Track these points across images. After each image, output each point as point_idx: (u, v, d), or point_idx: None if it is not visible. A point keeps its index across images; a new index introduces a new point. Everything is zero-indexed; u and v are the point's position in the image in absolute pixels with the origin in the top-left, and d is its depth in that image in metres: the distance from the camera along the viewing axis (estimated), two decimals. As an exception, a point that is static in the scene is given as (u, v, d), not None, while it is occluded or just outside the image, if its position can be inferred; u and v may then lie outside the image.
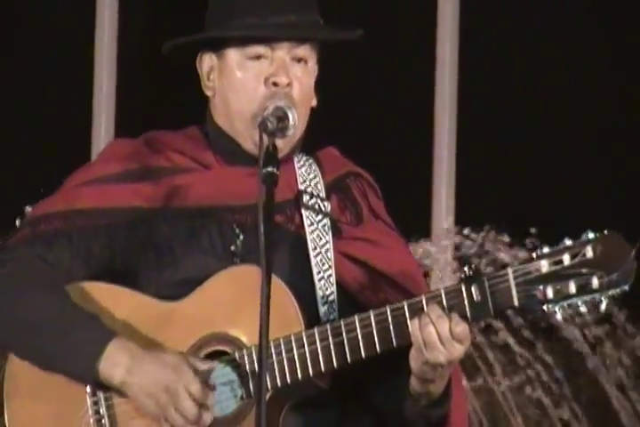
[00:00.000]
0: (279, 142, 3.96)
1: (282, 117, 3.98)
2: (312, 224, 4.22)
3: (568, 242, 3.69)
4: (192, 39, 4.21)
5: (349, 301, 4.11)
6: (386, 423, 4.13)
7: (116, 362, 3.98)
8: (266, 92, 4.11)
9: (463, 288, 3.79)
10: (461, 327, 3.76)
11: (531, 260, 3.75)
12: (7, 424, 4.22)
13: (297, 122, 4.08)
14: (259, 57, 4.13)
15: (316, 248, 4.20)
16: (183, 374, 3.94)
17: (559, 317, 3.72)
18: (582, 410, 8.82)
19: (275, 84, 4.09)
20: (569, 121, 29.88)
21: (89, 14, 15.22)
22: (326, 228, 4.22)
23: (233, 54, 4.18)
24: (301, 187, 4.23)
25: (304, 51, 4.20)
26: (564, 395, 8.81)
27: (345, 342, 3.93)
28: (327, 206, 4.23)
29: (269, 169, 3.83)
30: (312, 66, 4.27)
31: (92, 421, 4.05)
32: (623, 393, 8.59)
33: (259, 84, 4.12)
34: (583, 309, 3.70)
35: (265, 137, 3.91)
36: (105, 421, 4.06)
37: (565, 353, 8.69)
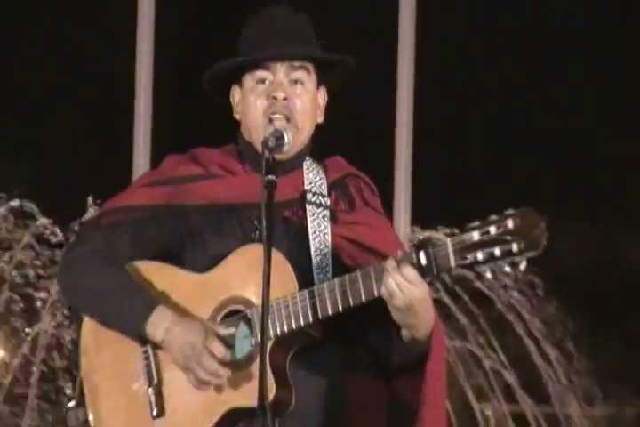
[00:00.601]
0: (278, 156, 4.25)
1: (279, 137, 4.25)
2: (313, 215, 4.46)
3: (493, 216, 3.88)
4: (216, 69, 4.51)
5: (345, 271, 4.21)
6: (381, 363, 4.35)
7: (157, 325, 4.31)
8: (267, 104, 4.38)
9: (413, 254, 3.97)
10: (412, 273, 3.95)
11: (464, 231, 3.92)
12: (82, 371, 4.54)
13: (293, 138, 4.37)
14: (263, 80, 4.40)
15: (315, 232, 4.42)
16: (206, 337, 4.22)
17: (489, 275, 4.05)
18: (508, 360, 9.18)
19: (273, 97, 4.36)
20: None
21: (130, 39, 14.40)
22: (325, 217, 4.44)
23: (247, 81, 4.45)
24: (307, 187, 4.49)
25: (300, 74, 4.43)
26: (492, 346, 9.13)
27: (327, 298, 4.13)
28: (327, 201, 4.48)
29: (269, 177, 4.10)
30: (311, 87, 4.49)
31: (142, 366, 4.39)
32: (538, 346, 9.06)
33: (263, 100, 4.39)
34: (507, 268, 3.91)
35: (267, 152, 4.16)
36: (152, 367, 4.38)
37: (491, 310, 9.00)
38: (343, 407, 4.41)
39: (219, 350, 4.23)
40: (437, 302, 7.81)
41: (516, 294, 8.96)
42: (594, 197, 26.39)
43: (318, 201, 4.48)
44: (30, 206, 9.36)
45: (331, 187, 4.52)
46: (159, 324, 4.33)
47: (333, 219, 4.45)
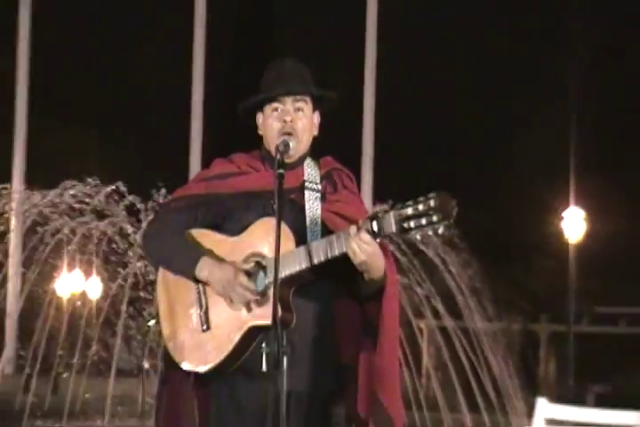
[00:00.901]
0: (286, 158, 4.29)
1: (286, 145, 4.31)
2: (309, 197, 4.51)
3: (421, 198, 3.93)
4: (246, 103, 4.47)
5: (329, 234, 4.27)
6: (354, 294, 4.33)
7: (202, 269, 4.38)
8: (280, 126, 4.40)
9: (368, 223, 4.05)
10: (367, 237, 4.04)
11: (401, 207, 3.99)
12: (158, 300, 4.49)
13: (295, 147, 4.37)
14: (277, 109, 4.42)
15: (309, 209, 4.49)
16: (237, 275, 4.28)
17: (418, 237, 3.97)
18: (435, 290, 9.02)
19: (284, 120, 4.39)
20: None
21: (186, 72, 14.17)
22: (317, 198, 4.49)
23: (266, 110, 4.44)
24: (306, 178, 4.53)
25: (301, 104, 4.46)
26: (424, 281, 8.96)
27: (315, 253, 4.21)
28: (319, 187, 4.51)
29: (280, 171, 4.19)
30: (308, 113, 4.48)
31: (195, 297, 4.41)
32: (455, 281, 8.99)
33: (277, 122, 4.40)
34: (430, 233, 3.88)
35: (278, 155, 4.26)
36: (202, 297, 4.40)
37: (425, 257, 8.90)
38: (329, 324, 4.37)
39: (245, 282, 4.24)
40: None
41: (440, 246, 8.31)
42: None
43: (313, 187, 4.50)
44: (123, 189, 9.21)
45: (322, 177, 4.51)
46: (204, 268, 4.36)
47: (323, 199, 4.44)
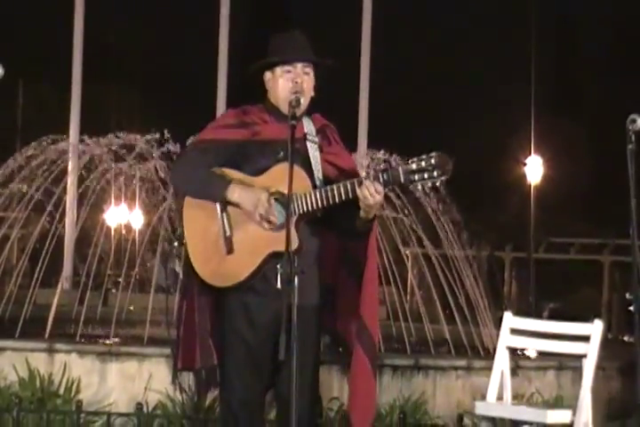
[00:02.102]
0: (297, 111, 4.31)
1: (298, 100, 4.32)
2: (311, 148, 4.48)
3: (424, 155, 4.12)
4: (260, 64, 4.51)
5: (328, 180, 4.39)
6: (347, 232, 4.43)
7: (233, 191, 4.33)
8: (291, 85, 4.41)
9: (380, 174, 4.17)
10: (380, 187, 4.14)
11: (409, 163, 4.13)
12: (184, 226, 4.50)
13: (304, 100, 4.40)
14: (289, 71, 4.44)
15: (313, 158, 4.46)
16: (262, 196, 4.28)
17: (420, 188, 4.25)
18: (419, 223, 8.94)
19: (295, 82, 4.41)
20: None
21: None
22: (316, 150, 4.48)
23: (277, 71, 4.46)
24: (306, 131, 4.49)
25: (308, 69, 4.47)
26: (411, 215, 8.89)
27: (323, 195, 4.24)
28: (316, 139, 4.52)
29: (293, 122, 4.19)
30: (312, 76, 4.49)
31: (220, 224, 4.38)
32: (436, 215, 8.90)
33: (289, 82, 4.42)
34: (430, 184, 4.14)
35: (291, 109, 4.29)
36: (225, 224, 4.36)
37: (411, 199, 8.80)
38: (319, 252, 4.45)
39: (272, 201, 4.31)
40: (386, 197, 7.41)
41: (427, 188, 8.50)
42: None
43: (312, 140, 4.51)
44: (160, 137, 9.11)
45: (317, 131, 4.54)
46: (235, 190, 4.34)
47: (320, 150, 4.50)
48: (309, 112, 4.57)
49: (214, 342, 4.43)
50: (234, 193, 4.35)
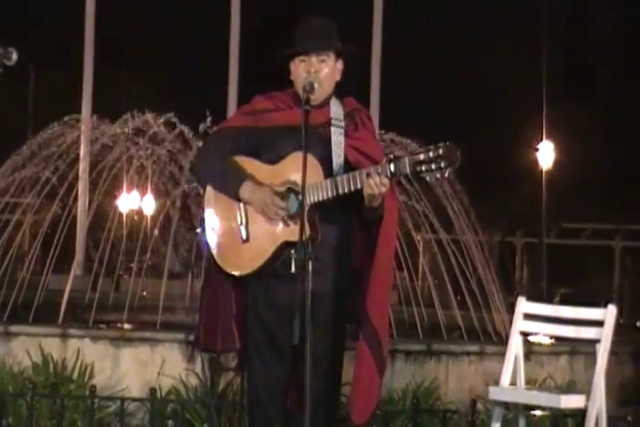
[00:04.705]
0: (312, 96, 4.28)
1: (312, 84, 4.28)
2: (335, 132, 4.42)
3: (431, 146, 4.04)
4: (278, 55, 4.48)
5: (350, 166, 4.31)
6: (360, 221, 4.40)
7: (245, 190, 4.36)
8: (305, 75, 4.36)
9: (387, 165, 4.10)
10: (385, 180, 4.10)
11: (415, 154, 4.08)
12: (205, 215, 4.53)
13: (321, 90, 4.36)
14: (304, 60, 4.40)
15: (335, 143, 4.39)
16: (273, 197, 4.30)
17: (428, 179, 4.09)
18: (432, 209, 8.89)
19: (308, 71, 4.37)
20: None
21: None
22: (341, 134, 4.41)
23: (296, 61, 4.43)
24: (332, 115, 4.43)
25: (324, 57, 4.41)
26: (424, 202, 8.86)
27: (333, 185, 4.22)
28: (342, 124, 4.43)
29: (306, 107, 4.17)
30: (331, 63, 4.44)
31: (237, 213, 4.38)
32: (447, 198, 8.95)
33: (304, 72, 4.38)
34: (438, 175, 4.05)
35: (304, 93, 4.26)
36: (243, 214, 4.37)
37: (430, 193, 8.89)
38: (345, 239, 4.41)
39: (280, 203, 4.28)
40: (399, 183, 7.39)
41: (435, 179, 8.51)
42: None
43: (338, 124, 4.43)
44: (174, 120, 9.08)
45: (345, 115, 4.47)
46: (246, 189, 4.35)
47: (346, 135, 4.42)
48: (342, 96, 4.55)
49: (238, 327, 4.44)
50: (245, 192, 4.37)
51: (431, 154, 4.04)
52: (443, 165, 4.02)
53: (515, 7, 27.57)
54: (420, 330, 8.09)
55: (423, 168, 4.06)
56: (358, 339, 4.34)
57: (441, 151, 4.02)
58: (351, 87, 4.72)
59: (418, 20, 26.73)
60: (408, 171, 4.08)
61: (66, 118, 9.12)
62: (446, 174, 4.04)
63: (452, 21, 27.96)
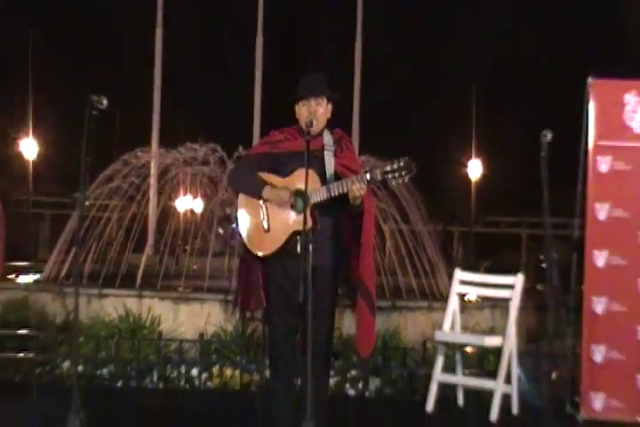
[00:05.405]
0: (311, 129, 4.17)
1: (311, 121, 4.17)
2: (327, 155, 4.33)
3: (395, 160, 4.00)
4: (288, 99, 4.37)
5: (340, 178, 4.20)
6: (346, 213, 4.27)
7: (266, 191, 4.28)
8: (306, 114, 4.29)
9: (364, 175, 4.06)
10: (364, 185, 4.07)
11: (385, 165, 4.03)
12: (238, 213, 4.41)
13: (318, 124, 4.28)
14: (305, 104, 4.32)
15: (328, 162, 4.30)
16: (283, 191, 4.23)
17: (393, 184, 4.05)
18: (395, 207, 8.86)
19: (309, 112, 4.28)
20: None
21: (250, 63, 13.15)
22: (331, 156, 4.31)
23: (300, 103, 4.32)
24: (324, 143, 4.33)
25: (319, 100, 4.31)
26: (390, 204, 8.74)
27: (332, 189, 4.13)
28: (332, 148, 4.34)
29: (307, 137, 4.10)
30: (324, 105, 4.31)
31: (260, 211, 4.30)
32: (407, 202, 8.98)
33: (306, 112, 4.30)
34: (400, 181, 4.02)
35: (306, 128, 4.16)
36: (265, 211, 4.26)
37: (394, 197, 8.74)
38: (335, 226, 4.32)
39: (287, 195, 4.21)
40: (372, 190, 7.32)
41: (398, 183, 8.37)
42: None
43: (329, 148, 4.35)
44: (215, 148, 9.09)
45: (334, 142, 4.39)
46: (267, 190, 4.28)
47: (335, 155, 4.34)
48: (332, 127, 4.45)
49: (263, 292, 4.36)
50: (266, 192, 4.28)
51: (395, 166, 4.00)
52: (404, 173, 3.98)
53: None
54: (387, 292, 8.04)
55: (390, 176, 4.00)
56: (352, 298, 4.27)
57: (402, 164, 3.98)
58: (339, 121, 4.68)
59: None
60: (379, 178, 4.02)
61: (139, 149, 9.18)
62: (406, 180, 4.00)
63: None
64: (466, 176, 24.06)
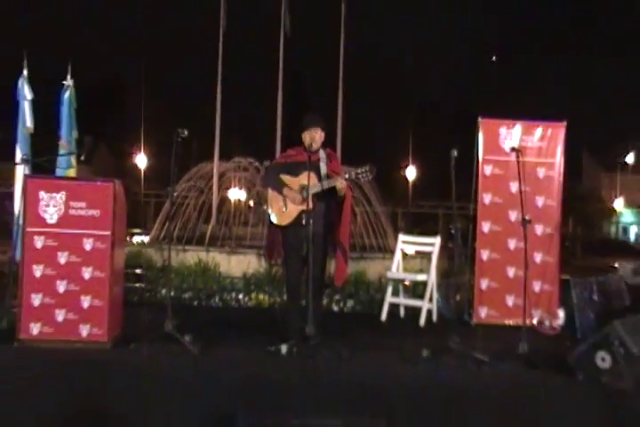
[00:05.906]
0: (312, 149, 4.05)
1: (311, 145, 4.06)
2: (322, 165, 4.15)
3: (363, 166, 3.90)
4: (299, 128, 4.17)
5: (329, 178, 4.00)
6: (334, 200, 4.03)
7: (285, 191, 4.12)
8: (309, 140, 4.12)
9: (344, 175, 3.94)
10: (344, 181, 3.94)
11: (357, 169, 3.94)
12: (268, 199, 4.19)
13: (315, 145, 4.13)
14: (309, 133, 4.14)
15: (322, 168, 4.12)
16: (295, 192, 4.09)
17: (362, 180, 3.91)
18: (363, 197, 8.72)
19: (310, 138, 4.13)
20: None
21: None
22: (325, 164, 4.12)
23: (305, 131, 4.14)
24: (320, 157, 4.15)
25: (318, 129, 4.13)
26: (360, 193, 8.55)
27: (324, 184, 3.99)
28: (325, 160, 4.15)
29: (309, 153, 3.99)
30: (321, 133, 4.09)
31: (282, 199, 4.09)
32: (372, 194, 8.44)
33: (309, 138, 4.12)
34: (367, 179, 3.90)
35: (309, 148, 4.08)
36: (284, 200, 4.03)
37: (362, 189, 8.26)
38: (327, 207, 4.19)
39: (298, 195, 4.07)
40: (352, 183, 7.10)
41: (366, 180, 8.10)
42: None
43: (323, 160, 4.21)
44: (252, 161, 9.00)
45: (326, 156, 4.26)
46: (286, 190, 4.12)
47: (327, 165, 4.21)
48: (325, 147, 4.31)
49: (283, 248, 4.25)
50: (285, 191, 4.13)
51: (363, 169, 3.91)
52: (369, 174, 3.89)
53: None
54: (357, 248, 7.95)
55: (360, 176, 3.90)
56: (336, 251, 4.19)
57: (367, 168, 3.89)
58: (329, 143, 4.57)
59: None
60: (354, 177, 3.92)
61: (206, 161, 9.09)
62: (369, 178, 3.89)
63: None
64: (405, 179, 23.94)
